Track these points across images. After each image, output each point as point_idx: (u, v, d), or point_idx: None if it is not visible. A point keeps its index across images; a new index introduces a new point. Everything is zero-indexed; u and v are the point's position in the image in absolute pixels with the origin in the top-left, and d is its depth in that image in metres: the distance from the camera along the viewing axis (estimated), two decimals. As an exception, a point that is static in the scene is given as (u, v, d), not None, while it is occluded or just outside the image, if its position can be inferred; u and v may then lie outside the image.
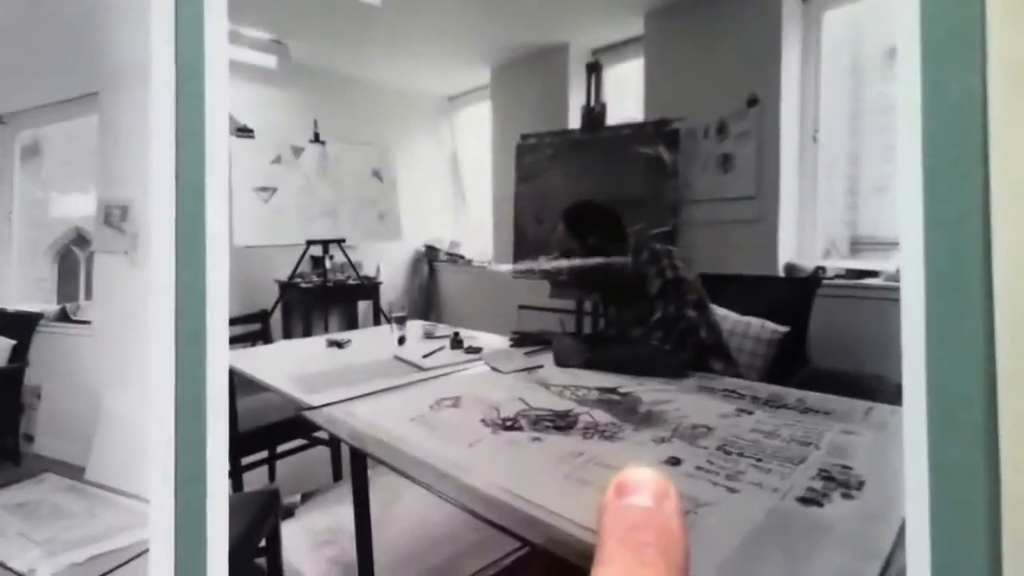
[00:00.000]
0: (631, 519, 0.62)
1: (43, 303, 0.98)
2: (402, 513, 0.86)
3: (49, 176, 1.01)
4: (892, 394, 0.71)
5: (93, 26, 0.86)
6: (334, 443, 0.89)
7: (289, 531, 0.87)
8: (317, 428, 0.85)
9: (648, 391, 0.82)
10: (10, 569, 0.83)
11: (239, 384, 0.74)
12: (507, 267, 0.93)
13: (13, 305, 0.99)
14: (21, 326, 0.97)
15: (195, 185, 0.78)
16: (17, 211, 1.02)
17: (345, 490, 0.88)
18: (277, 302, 0.96)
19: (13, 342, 0.96)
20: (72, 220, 0.98)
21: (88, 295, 0.95)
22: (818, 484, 0.70)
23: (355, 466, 0.87)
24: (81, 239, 0.97)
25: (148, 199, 0.79)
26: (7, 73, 0.95)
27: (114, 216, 0.88)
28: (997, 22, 0.73)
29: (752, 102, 0.87)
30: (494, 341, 0.92)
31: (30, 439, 0.96)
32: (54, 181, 1.00)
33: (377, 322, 0.98)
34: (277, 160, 0.88)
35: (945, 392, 0.71)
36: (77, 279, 0.98)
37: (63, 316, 0.97)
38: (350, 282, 0.97)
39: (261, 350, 0.92)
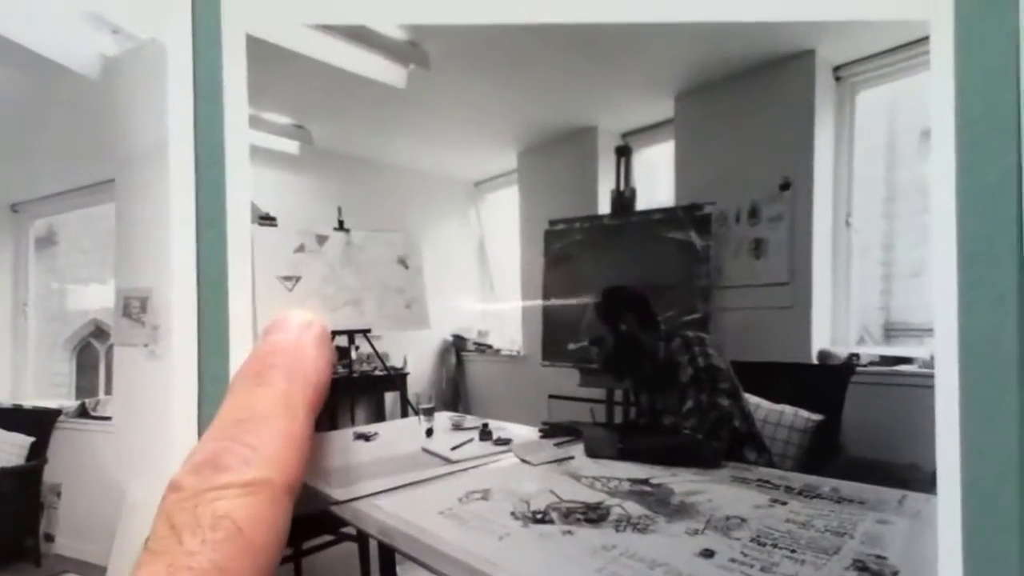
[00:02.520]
0: (261, 350, 0.67)
1: (61, 399, 1.02)
2: (431, 611, 0.89)
3: (65, 267, 1.04)
4: (927, 483, 0.77)
5: (108, 110, 0.90)
6: (362, 539, 0.91)
7: (316, 632, 0.91)
8: (344, 523, 0.88)
9: (681, 482, 0.87)
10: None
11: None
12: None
13: (31, 401, 1.02)
14: (39, 423, 1.00)
15: (217, 274, 0.83)
16: (33, 304, 1.06)
17: (374, 588, 0.91)
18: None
19: (31, 439, 0.99)
20: (90, 312, 1.01)
21: (108, 390, 0.98)
22: (853, 574, 0.76)
23: (383, 562, 0.90)
24: (100, 331, 1.00)
25: (168, 289, 0.85)
26: (19, 160, 0.98)
27: (133, 307, 0.91)
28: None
29: (785, 186, 0.93)
30: (524, 432, 0.96)
31: (50, 539, 0.98)
32: (70, 272, 1.03)
33: (405, 414, 1.01)
34: (301, 248, 0.92)
35: (980, 480, 0.77)
36: (96, 373, 1.01)
37: (82, 412, 1.00)
38: (376, 373, 1.00)
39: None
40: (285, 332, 0.73)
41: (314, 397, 0.69)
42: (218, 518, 0.56)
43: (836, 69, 0.93)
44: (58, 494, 0.99)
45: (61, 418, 1.00)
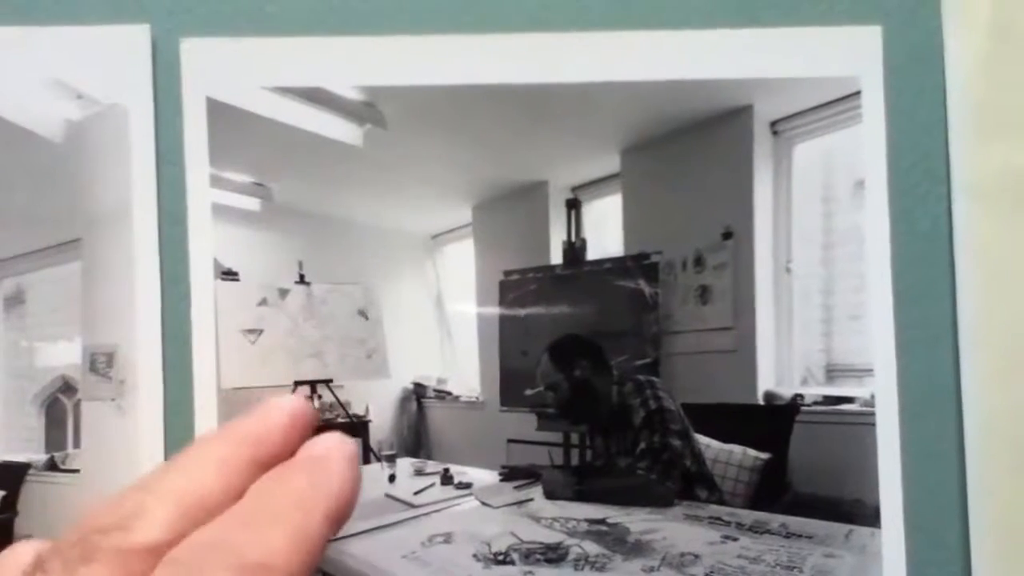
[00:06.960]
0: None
1: (31, 453, 1.00)
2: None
3: (33, 325, 1.03)
4: (871, 517, 0.77)
5: (73, 173, 0.89)
6: (329, 583, 0.91)
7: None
8: (311, 569, 0.87)
9: (636, 521, 0.87)
10: None
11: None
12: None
13: (1, 456, 1.01)
14: (10, 477, 0.98)
15: (181, 330, 0.82)
16: (2, 362, 1.04)
17: (340, 634, 0.91)
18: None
19: (2, 493, 0.98)
20: (58, 368, 0.99)
21: (76, 443, 0.96)
22: (803, 607, 0.76)
23: (349, 607, 0.90)
24: (68, 387, 0.98)
25: (134, 345, 0.84)
26: (-14, 222, 0.97)
27: (100, 363, 0.91)
28: (959, 142, 0.80)
29: (727, 235, 0.93)
30: (484, 476, 0.95)
31: (21, 591, 0.96)
32: (38, 330, 1.02)
33: (367, 460, 1.00)
34: (263, 302, 0.92)
35: (922, 514, 0.78)
36: (65, 427, 1.00)
37: (52, 465, 0.98)
38: (339, 421, 0.99)
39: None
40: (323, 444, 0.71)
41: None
42: None
43: (773, 124, 0.94)
44: (28, 547, 0.97)
45: (31, 472, 0.99)
